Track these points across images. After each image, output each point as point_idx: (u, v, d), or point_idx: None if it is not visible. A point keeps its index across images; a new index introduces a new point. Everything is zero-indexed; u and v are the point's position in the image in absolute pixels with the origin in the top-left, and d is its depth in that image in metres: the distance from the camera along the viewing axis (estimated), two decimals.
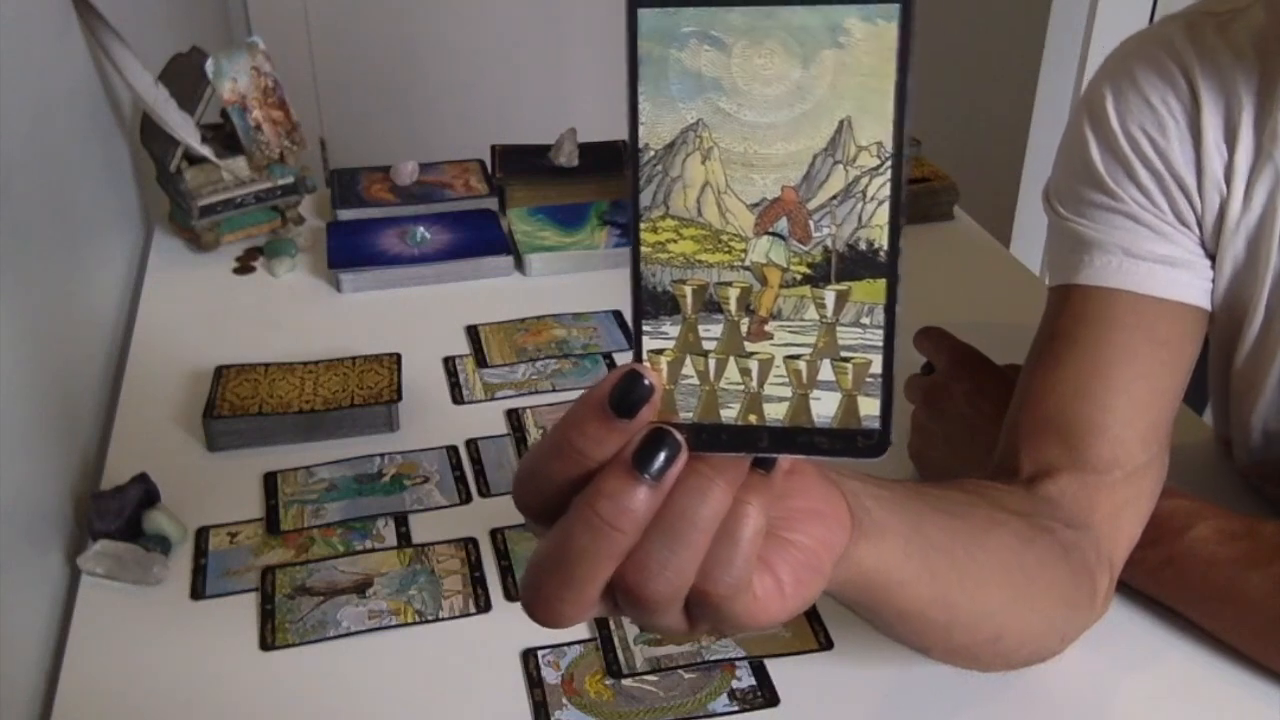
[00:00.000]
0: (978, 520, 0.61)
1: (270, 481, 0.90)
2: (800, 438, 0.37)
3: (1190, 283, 0.75)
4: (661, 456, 0.36)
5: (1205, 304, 0.75)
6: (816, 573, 0.42)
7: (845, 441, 0.36)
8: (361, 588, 0.80)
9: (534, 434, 0.95)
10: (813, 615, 0.77)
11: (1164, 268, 0.74)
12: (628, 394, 0.36)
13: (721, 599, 0.38)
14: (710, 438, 0.37)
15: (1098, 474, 0.70)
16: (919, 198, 1.32)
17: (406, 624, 0.77)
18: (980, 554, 0.59)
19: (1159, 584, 0.76)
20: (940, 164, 1.38)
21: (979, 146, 2.15)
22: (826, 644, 0.75)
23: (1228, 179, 0.73)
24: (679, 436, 0.36)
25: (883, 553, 0.48)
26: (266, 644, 0.75)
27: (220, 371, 1.00)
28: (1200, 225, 0.75)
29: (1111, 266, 0.74)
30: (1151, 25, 0.79)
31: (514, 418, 0.98)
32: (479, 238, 1.24)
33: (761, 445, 0.37)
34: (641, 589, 0.38)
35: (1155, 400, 0.73)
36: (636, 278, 0.36)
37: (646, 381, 0.36)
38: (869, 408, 0.36)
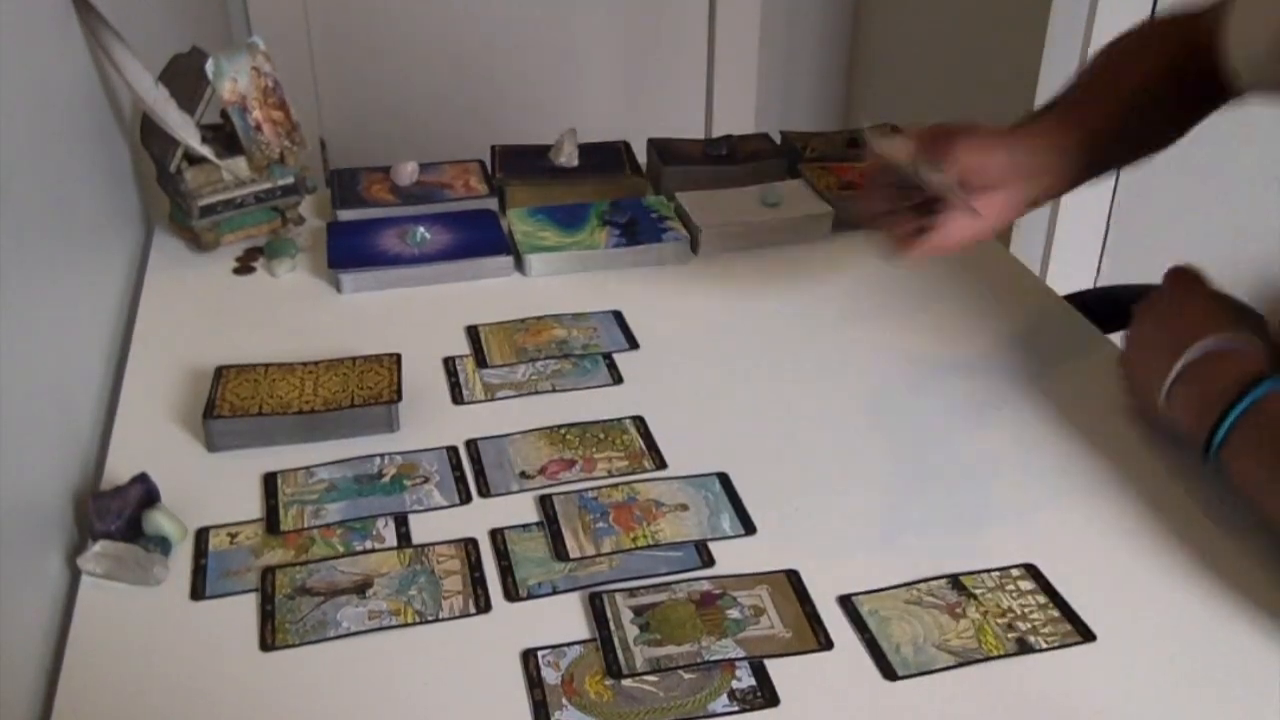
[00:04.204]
0: (1137, 113, 0.97)
1: (270, 482, 0.90)
2: None
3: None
4: None
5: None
6: (1000, 216, 0.73)
7: None
8: (361, 588, 0.80)
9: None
10: (813, 616, 0.77)
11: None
12: None
13: None
14: None
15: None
16: None
17: (406, 624, 0.77)
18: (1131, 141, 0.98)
19: (1272, 466, 0.80)
20: None
21: None
22: (826, 644, 0.75)
23: None
24: None
25: (1048, 187, 0.88)
26: (266, 644, 0.75)
27: (220, 372, 1.00)
28: None
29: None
30: None
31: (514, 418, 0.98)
32: (479, 238, 1.24)
33: None
34: None
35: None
36: None
37: None
38: None
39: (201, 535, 0.84)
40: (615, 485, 0.89)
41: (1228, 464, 0.83)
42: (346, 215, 1.29)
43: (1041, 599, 0.78)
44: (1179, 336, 0.88)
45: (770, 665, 0.73)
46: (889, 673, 0.73)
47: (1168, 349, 0.88)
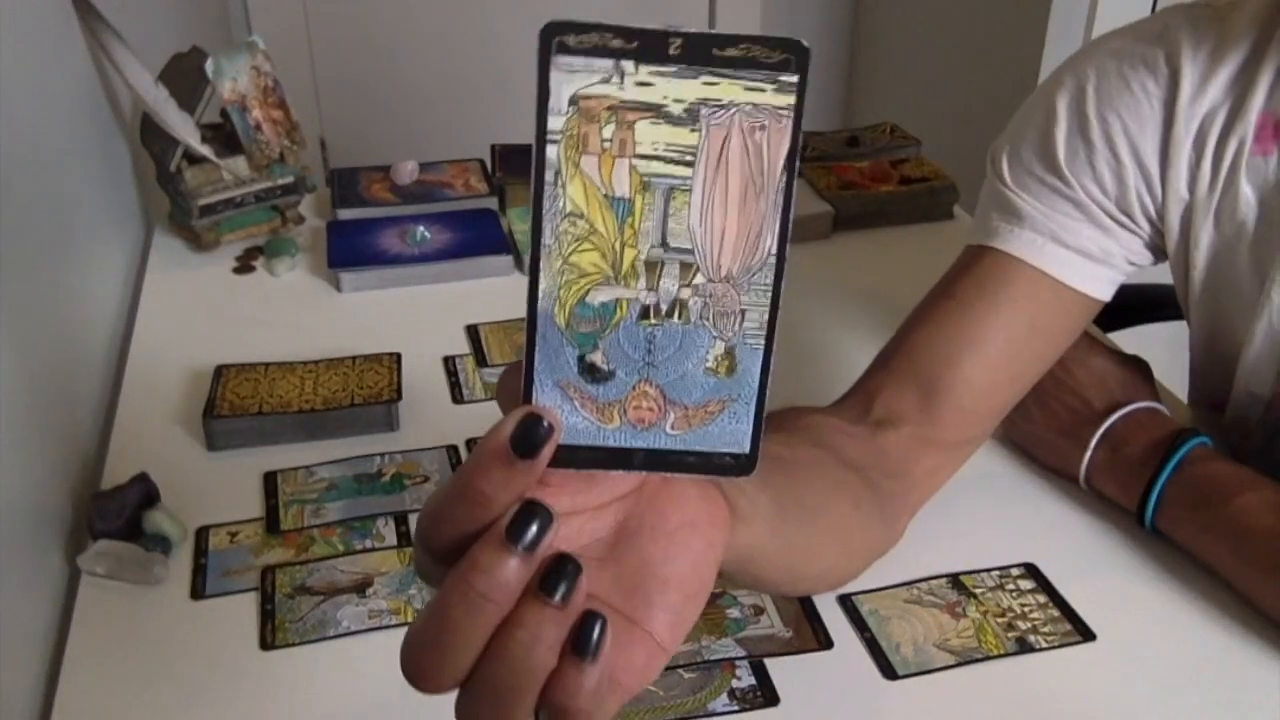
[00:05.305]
0: (823, 486, 0.65)
1: (270, 481, 0.90)
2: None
3: (1102, 278, 0.78)
4: (533, 529, 0.36)
5: (1106, 296, 0.78)
6: (696, 599, 0.42)
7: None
8: (361, 587, 0.80)
9: None
10: (813, 615, 0.77)
11: (1083, 260, 0.77)
12: (528, 436, 0.36)
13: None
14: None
15: (935, 436, 0.76)
16: (918, 197, 1.32)
17: (407, 624, 0.77)
18: (822, 521, 0.62)
19: (1200, 544, 0.77)
20: (940, 164, 1.38)
21: (979, 146, 2.15)
22: (826, 644, 0.75)
23: (1199, 159, 0.74)
24: (550, 508, 0.36)
25: (755, 531, 0.48)
26: (266, 644, 0.75)
27: (220, 371, 1.00)
28: (1155, 215, 0.77)
29: (1035, 245, 0.77)
30: (1152, 15, 0.80)
31: None
32: (479, 237, 1.24)
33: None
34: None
35: (1014, 385, 0.78)
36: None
37: (545, 423, 0.36)
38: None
39: (201, 535, 0.84)
40: None
41: (1169, 533, 0.80)
42: (346, 214, 1.29)
43: (1041, 598, 0.78)
44: (1076, 418, 0.84)
45: (770, 665, 0.73)
46: (889, 672, 0.73)
47: (1067, 436, 0.84)
